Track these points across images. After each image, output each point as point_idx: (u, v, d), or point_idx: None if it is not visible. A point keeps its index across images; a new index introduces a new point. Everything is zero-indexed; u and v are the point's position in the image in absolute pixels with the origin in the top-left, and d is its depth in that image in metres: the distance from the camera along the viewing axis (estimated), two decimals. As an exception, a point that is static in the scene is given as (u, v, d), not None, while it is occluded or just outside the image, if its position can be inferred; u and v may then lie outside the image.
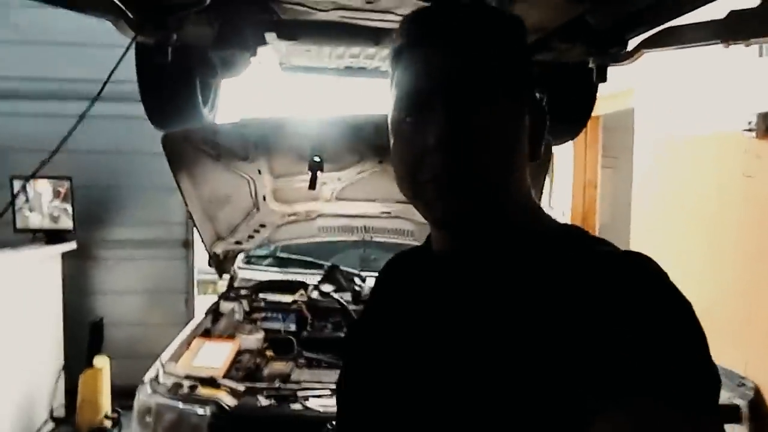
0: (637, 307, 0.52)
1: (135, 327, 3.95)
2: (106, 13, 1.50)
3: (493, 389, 0.55)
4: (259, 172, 2.44)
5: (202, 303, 4.14)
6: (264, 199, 2.60)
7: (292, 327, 2.64)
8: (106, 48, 1.86)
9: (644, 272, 0.56)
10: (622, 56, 1.83)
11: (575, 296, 0.54)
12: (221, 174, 2.43)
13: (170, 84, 2.03)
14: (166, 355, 2.17)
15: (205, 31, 1.85)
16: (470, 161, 0.60)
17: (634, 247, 3.46)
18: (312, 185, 2.07)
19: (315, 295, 2.73)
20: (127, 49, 1.51)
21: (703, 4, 1.48)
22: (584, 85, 2.25)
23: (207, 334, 2.54)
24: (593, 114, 2.42)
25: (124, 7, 1.50)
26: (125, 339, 3.88)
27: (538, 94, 0.68)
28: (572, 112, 2.29)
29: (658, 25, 1.70)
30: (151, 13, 1.55)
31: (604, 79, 1.85)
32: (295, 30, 2.10)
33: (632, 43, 1.84)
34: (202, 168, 2.37)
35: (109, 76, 1.50)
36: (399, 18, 1.76)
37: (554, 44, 1.95)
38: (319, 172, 2.10)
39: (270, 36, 2.09)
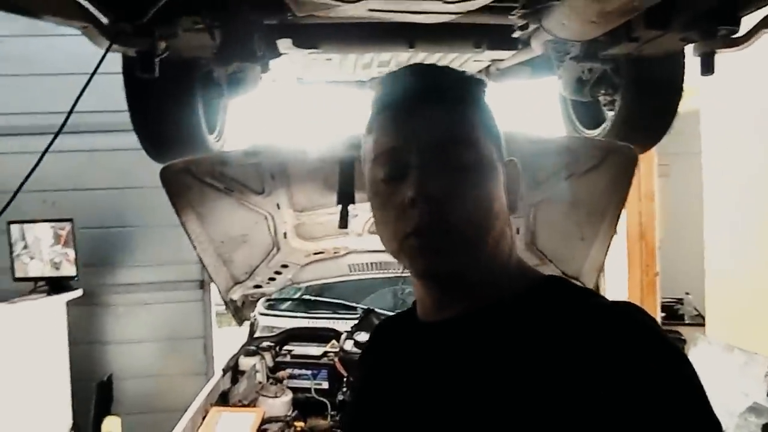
0: (635, 365, 0.53)
1: (149, 379, 3.58)
2: (71, 18, 1.15)
3: None
4: (278, 206, 2.07)
5: (221, 340, 3.78)
6: (285, 236, 2.23)
7: (325, 385, 2.25)
8: (108, 75, 1.54)
9: (637, 326, 0.57)
10: (734, 40, 1.42)
11: (569, 354, 0.55)
12: (234, 211, 2.07)
13: (165, 106, 1.68)
14: (176, 434, 1.79)
15: (204, 40, 1.50)
16: (446, 217, 0.63)
17: (716, 255, 3.16)
18: (343, 223, 1.69)
19: (349, 346, 2.34)
20: (97, 66, 1.16)
21: None
22: (668, 81, 1.86)
23: (224, 399, 2.15)
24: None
25: (93, 9, 1.15)
26: (139, 393, 3.52)
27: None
28: (655, 114, 1.89)
29: None
30: (126, 15, 1.20)
31: (711, 70, 1.44)
32: (313, 35, 1.74)
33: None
34: (211, 205, 2.01)
35: (76, 101, 1.15)
36: (440, 7, 1.39)
37: (637, 33, 1.57)
38: (350, 206, 1.72)
39: (284, 44, 1.74)
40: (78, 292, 3.27)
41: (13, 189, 1.15)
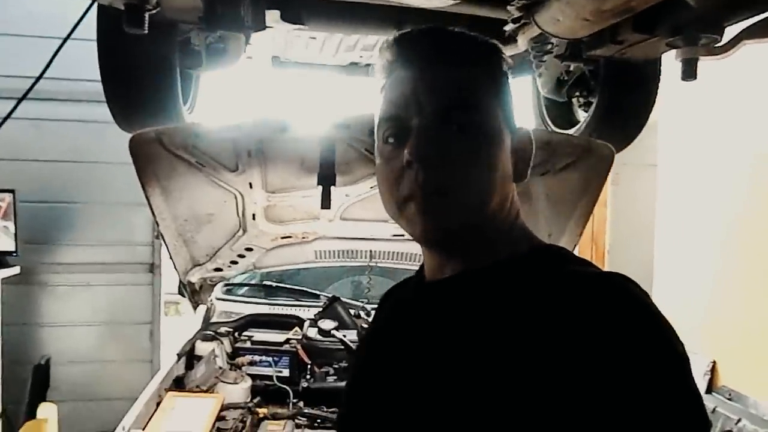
0: (619, 335, 0.53)
1: (89, 365, 3.38)
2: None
3: (482, 413, 0.56)
4: (251, 185, 2.00)
5: (166, 328, 3.63)
6: (253, 217, 2.16)
7: (286, 373, 2.19)
8: (56, 41, 1.43)
9: (624, 294, 0.57)
10: (716, 49, 1.49)
11: (551, 317, 0.56)
12: (202, 187, 1.98)
13: (142, 70, 1.59)
14: (129, 420, 1.69)
15: (193, 2, 1.43)
16: (446, 179, 0.63)
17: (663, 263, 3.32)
18: (326, 203, 1.65)
19: (313, 333, 2.29)
20: (73, 28, 1.08)
21: None
22: (644, 85, 1.93)
23: (180, 385, 2.06)
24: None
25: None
26: (78, 380, 3.31)
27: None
28: (629, 116, 1.95)
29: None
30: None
31: (694, 75, 1.51)
32: (303, 9, 1.70)
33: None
34: (180, 180, 1.92)
35: (46, 68, 1.07)
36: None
37: (623, 36, 1.62)
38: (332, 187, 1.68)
39: (272, 16, 1.68)
40: (15, 270, 3.05)
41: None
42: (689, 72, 1.48)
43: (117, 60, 1.57)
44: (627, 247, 4.18)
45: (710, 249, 2.96)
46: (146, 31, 1.28)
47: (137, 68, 1.59)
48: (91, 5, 1.10)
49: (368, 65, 2.33)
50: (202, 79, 2.11)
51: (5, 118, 1.00)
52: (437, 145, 0.63)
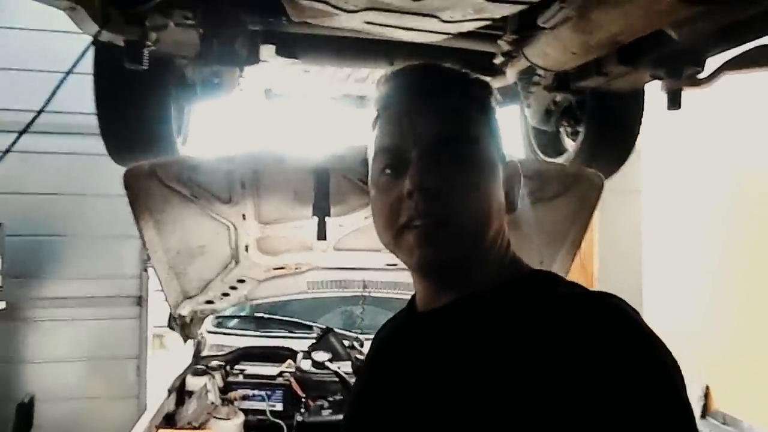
0: (610, 353, 0.54)
1: (74, 402, 3.30)
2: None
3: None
4: (244, 217, 2.00)
5: (154, 363, 3.55)
6: (246, 249, 2.15)
7: (279, 407, 2.16)
8: (47, 74, 1.44)
9: (614, 312, 0.58)
10: (699, 80, 1.55)
11: (542, 339, 0.56)
12: (195, 219, 1.97)
13: (137, 103, 1.60)
14: (120, 459, 1.65)
15: (188, 37, 1.45)
16: (442, 211, 0.64)
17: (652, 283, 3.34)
18: (322, 233, 1.65)
19: (306, 365, 2.26)
20: (75, 64, 1.09)
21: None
22: (630, 115, 1.98)
23: (171, 422, 2.01)
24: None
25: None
26: (62, 417, 3.23)
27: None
28: (615, 145, 2.00)
29: (750, 41, 1.43)
30: (118, 1, 1.14)
31: (678, 105, 1.56)
32: (298, 44, 1.73)
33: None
34: (173, 212, 1.90)
35: (46, 102, 1.08)
36: (436, 26, 1.42)
37: (608, 68, 1.67)
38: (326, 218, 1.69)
39: (267, 50, 1.71)
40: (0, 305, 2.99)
41: None
42: (674, 102, 1.53)
43: (112, 94, 1.58)
44: (615, 272, 4.23)
45: (699, 273, 3.00)
46: (146, 67, 1.30)
47: (132, 102, 1.60)
48: (92, 43, 1.11)
49: (361, 97, 2.36)
50: (195, 111, 2.12)
51: (5, 152, 1.00)
52: (437, 175, 0.64)
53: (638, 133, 2.00)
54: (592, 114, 1.95)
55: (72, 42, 1.41)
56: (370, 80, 2.06)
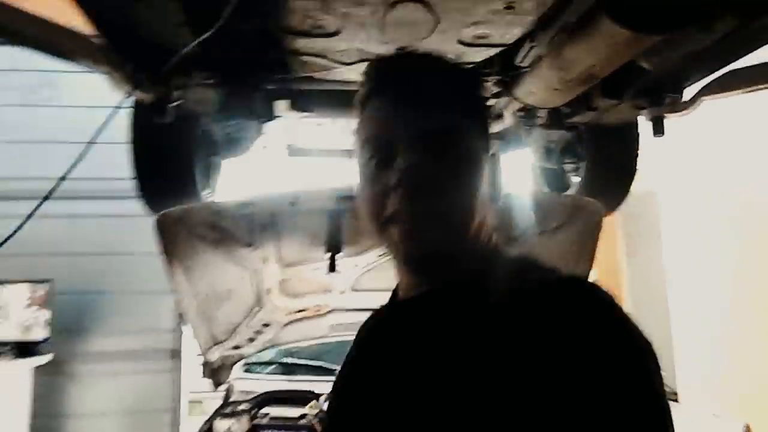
0: (587, 338, 0.54)
1: (112, 455, 3.40)
2: (98, 63, 1.28)
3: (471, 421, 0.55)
4: (265, 260, 2.13)
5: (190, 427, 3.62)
6: (269, 292, 2.27)
7: (303, 448, 2.20)
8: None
9: (593, 299, 0.58)
10: (680, 106, 1.63)
11: (518, 323, 0.57)
12: (221, 264, 2.12)
13: (166, 157, 1.79)
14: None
15: (209, 95, 1.64)
16: (432, 201, 0.64)
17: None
18: (332, 267, 1.76)
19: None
20: (101, 129, 1.28)
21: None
22: (625, 147, 2.06)
23: (199, 461, 2.08)
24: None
25: (118, 58, 1.29)
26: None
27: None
28: (616, 177, 2.07)
29: (720, 69, 1.52)
30: (147, 64, 1.34)
31: (662, 132, 1.64)
32: (308, 98, 1.91)
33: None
34: (200, 257, 2.06)
35: (69, 170, 1.27)
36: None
37: (596, 102, 1.77)
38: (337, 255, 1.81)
39: (282, 106, 1.89)
40: (47, 357, 3.17)
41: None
42: (657, 129, 1.62)
43: (144, 148, 1.78)
44: (644, 315, 4.14)
45: (728, 310, 2.94)
46: (170, 121, 1.48)
47: (160, 155, 1.80)
48: (121, 106, 1.30)
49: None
50: (222, 165, 2.32)
51: (28, 217, 1.19)
52: (424, 168, 0.64)
53: (636, 166, 2.07)
54: (590, 149, 2.03)
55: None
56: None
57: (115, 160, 1.89)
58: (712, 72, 1.54)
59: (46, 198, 1.41)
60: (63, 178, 1.38)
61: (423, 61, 0.71)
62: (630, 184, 2.11)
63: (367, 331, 0.81)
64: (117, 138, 1.80)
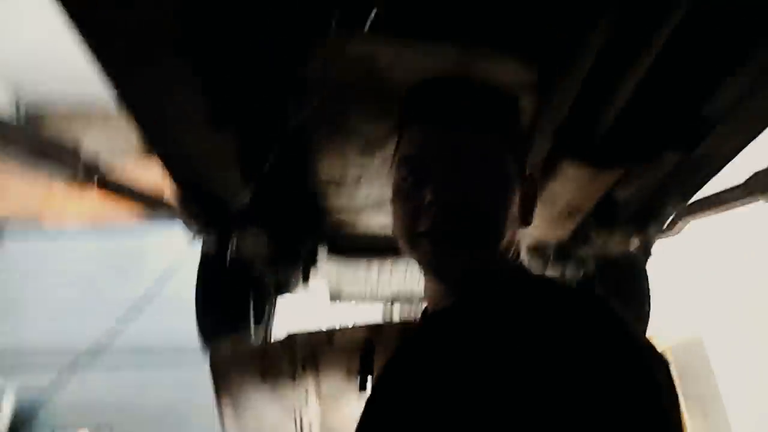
0: (592, 348, 0.57)
1: None
2: (175, 217, 1.66)
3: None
4: (306, 396, 2.28)
5: None
6: (310, 428, 2.36)
7: None
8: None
9: (603, 311, 0.61)
10: (664, 231, 1.81)
11: (534, 337, 0.59)
12: (267, 401, 2.28)
13: (223, 300, 2.09)
14: None
15: (261, 244, 1.98)
16: (463, 222, 0.67)
17: None
18: (362, 386, 1.90)
19: None
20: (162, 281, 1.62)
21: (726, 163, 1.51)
22: (635, 277, 2.19)
23: None
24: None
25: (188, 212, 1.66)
26: None
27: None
28: (631, 308, 2.17)
29: (694, 193, 1.70)
30: (213, 223, 1.69)
31: (648, 254, 1.80)
32: (345, 244, 2.21)
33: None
34: (247, 394, 2.24)
35: (122, 325, 1.57)
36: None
37: (592, 235, 1.95)
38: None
39: (321, 252, 2.20)
40: None
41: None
42: (645, 252, 1.79)
43: (206, 292, 2.10)
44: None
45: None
46: (229, 267, 1.80)
47: (219, 299, 2.10)
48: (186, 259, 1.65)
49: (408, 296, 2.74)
50: (276, 308, 2.59)
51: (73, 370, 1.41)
52: (457, 189, 0.68)
53: (649, 296, 2.17)
54: (601, 281, 2.17)
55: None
56: (408, 272, 2.46)
57: (182, 316, 2.17)
58: (689, 197, 1.72)
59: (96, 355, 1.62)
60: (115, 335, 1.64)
61: (459, 85, 0.75)
62: (647, 315, 2.19)
63: (400, 344, 0.82)
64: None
